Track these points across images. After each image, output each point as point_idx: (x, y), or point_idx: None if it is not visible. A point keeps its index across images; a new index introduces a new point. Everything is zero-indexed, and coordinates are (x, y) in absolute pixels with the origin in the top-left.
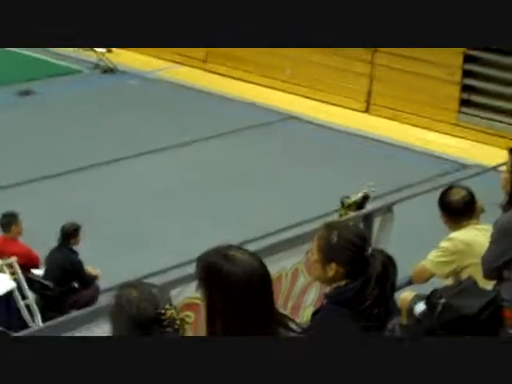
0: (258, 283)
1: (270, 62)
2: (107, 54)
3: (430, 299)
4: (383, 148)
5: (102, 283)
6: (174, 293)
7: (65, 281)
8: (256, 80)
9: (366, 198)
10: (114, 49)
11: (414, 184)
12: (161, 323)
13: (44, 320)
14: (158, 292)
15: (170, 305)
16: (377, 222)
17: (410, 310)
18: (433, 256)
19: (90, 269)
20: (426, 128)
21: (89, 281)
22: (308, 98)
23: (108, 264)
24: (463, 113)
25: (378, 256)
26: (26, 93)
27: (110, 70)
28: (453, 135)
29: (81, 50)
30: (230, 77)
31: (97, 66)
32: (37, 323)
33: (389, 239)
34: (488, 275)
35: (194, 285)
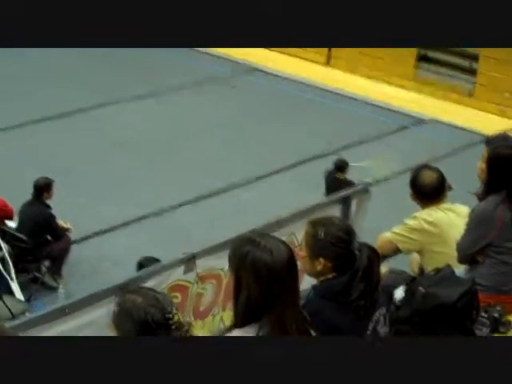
0: (286, 269)
1: None
2: None
3: (409, 287)
4: (342, 101)
5: (73, 235)
6: (163, 277)
7: (38, 234)
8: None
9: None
10: None
11: (371, 139)
12: (169, 327)
13: (17, 270)
14: (162, 297)
15: (176, 309)
16: (354, 203)
17: (389, 294)
18: (397, 229)
19: (61, 222)
20: (384, 81)
21: (61, 233)
22: (271, 50)
23: (76, 215)
24: (421, 68)
25: (364, 250)
26: None
27: None
28: (410, 90)
29: None
30: None
31: None
32: (11, 274)
33: (365, 218)
34: (463, 260)
35: (181, 269)
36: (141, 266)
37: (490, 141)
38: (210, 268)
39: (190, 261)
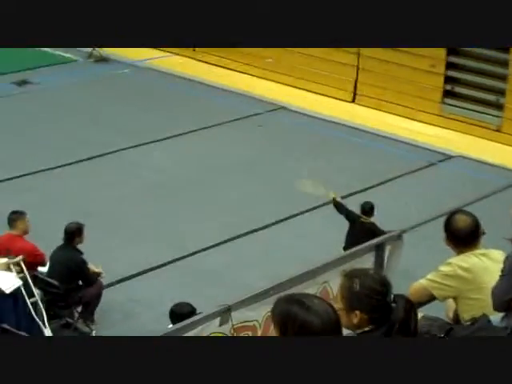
0: (334, 330)
1: (256, 51)
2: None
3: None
4: (369, 138)
5: (105, 279)
6: (198, 329)
7: (70, 279)
8: (244, 69)
9: None
10: None
11: (400, 175)
12: None
13: (49, 316)
14: None
15: None
16: (387, 249)
17: None
18: (431, 276)
19: (93, 267)
20: (411, 118)
21: (92, 279)
22: (296, 87)
23: (108, 258)
24: (446, 103)
25: (401, 302)
26: (23, 82)
27: (102, 59)
28: (436, 125)
29: None
30: (218, 66)
31: (90, 55)
32: (43, 321)
33: (398, 264)
34: (499, 308)
35: (217, 321)
36: (173, 313)
37: None
38: (245, 319)
39: (225, 313)
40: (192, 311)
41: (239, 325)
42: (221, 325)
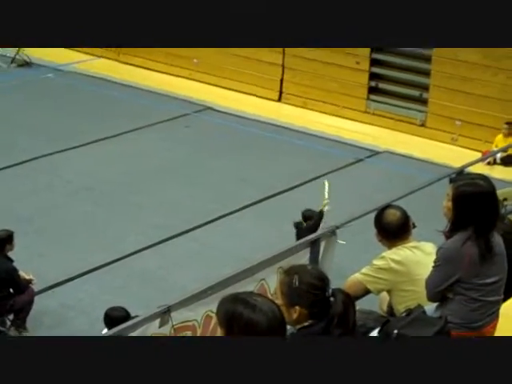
0: (279, 326)
1: (179, 52)
2: (23, 48)
3: (383, 329)
4: (295, 136)
5: (36, 286)
6: (138, 332)
7: (0, 287)
8: (169, 70)
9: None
10: None
11: (328, 172)
12: None
13: None
14: None
15: None
16: (322, 245)
17: (361, 335)
18: (365, 270)
19: (23, 274)
20: (337, 115)
21: (23, 286)
22: (222, 87)
23: (39, 264)
24: (372, 100)
25: (339, 296)
26: None
27: (26, 64)
28: (362, 122)
29: None
30: (143, 67)
31: (13, 60)
32: None
33: (332, 259)
34: (432, 298)
35: (157, 322)
36: (107, 317)
37: (453, 179)
38: (185, 319)
39: (165, 314)
40: (127, 316)
41: (179, 325)
42: (161, 326)
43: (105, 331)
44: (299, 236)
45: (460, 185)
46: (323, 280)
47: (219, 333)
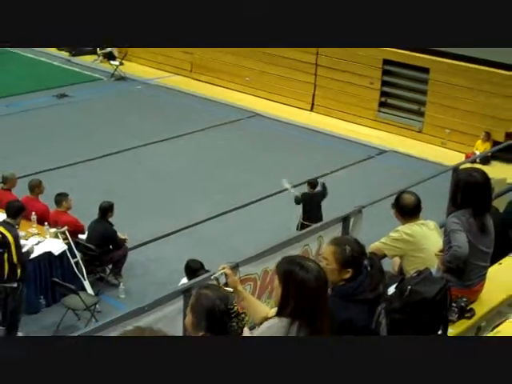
0: (323, 285)
1: (236, 71)
2: (120, 66)
3: (399, 285)
4: (323, 138)
5: (129, 244)
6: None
7: (103, 244)
8: (228, 85)
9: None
10: (124, 61)
11: (347, 166)
12: (230, 315)
13: (87, 272)
14: (226, 293)
15: (235, 302)
16: (351, 221)
17: None
18: (383, 240)
19: (120, 234)
20: (355, 123)
21: (120, 244)
22: (268, 99)
23: (131, 228)
24: (381, 112)
25: (375, 261)
26: (62, 96)
27: (122, 78)
28: (374, 128)
29: (100, 62)
30: (209, 83)
31: (112, 75)
32: (83, 275)
33: (359, 231)
34: (463, 253)
35: None
36: (187, 266)
37: (455, 170)
38: (248, 273)
39: (234, 268)
40: (201, 267)
41: (244, 277)
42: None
43: (184, 279)
44: (313, 198)
45: (459, 174)
46: (362, 247)
47: (276, 285)
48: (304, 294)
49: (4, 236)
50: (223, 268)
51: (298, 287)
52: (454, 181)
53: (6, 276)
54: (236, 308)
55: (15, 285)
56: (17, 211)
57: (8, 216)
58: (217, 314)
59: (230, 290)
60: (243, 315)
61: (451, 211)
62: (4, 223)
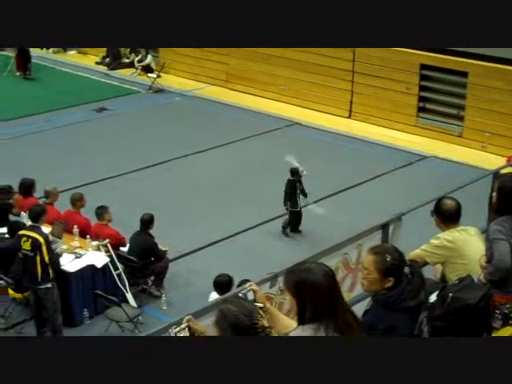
0: (333, 281)
1: (271, 80)
2: (157, 79)
3: (441, 293)
4: (361, 144)
5: (170, 256)
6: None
7: (145, 256)
8: (262, 94)
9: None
10: (161, 74)
11: (387, 172)
12: (255, 330)
13: (129, 284)
14: (251, 306)
15: (261, 316)
16: (391, 228)
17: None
18: (424, 247)
19: (161, 246)
20: (393, 129)
21: (161, 255)
22: (305, 107)
23: (172, 240)
24: (421, 117)
25: (416, 268)
26: (101, 109)
27: (160, 91)
28: (413, 134)
29: (138, 75)
30: (244, 93)
31: (150, 87)
32: (126, 287)
33: (398, 238)
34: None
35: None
36: (216, 281)
37: (497, 176)
38: None
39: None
40: (230, 280)
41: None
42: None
43: (213, 294)
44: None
45: (502, 180)
46: (402, 255)
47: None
48: (318, 296)
49: (36, 240)
50: (250, 285)
51: (310, 292)
52: (496, 187)
53: (39, 277)
54: (261, 323)
55: (49, 285)
56: (38, 215)
57: (33, 221)
58: (242, 330)
59: (261, 305)
60: (269, 329)
61: (493, 218)
62: (33, 227)
